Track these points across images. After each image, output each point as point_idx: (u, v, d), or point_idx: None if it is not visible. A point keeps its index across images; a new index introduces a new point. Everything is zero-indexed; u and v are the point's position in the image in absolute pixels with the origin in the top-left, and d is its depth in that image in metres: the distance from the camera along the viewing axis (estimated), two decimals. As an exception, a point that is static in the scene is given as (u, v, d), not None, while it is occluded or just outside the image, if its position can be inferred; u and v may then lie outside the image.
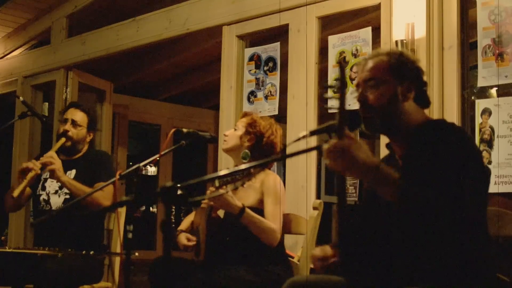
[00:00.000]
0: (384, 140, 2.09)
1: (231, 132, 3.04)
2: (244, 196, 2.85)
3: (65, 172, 3.28)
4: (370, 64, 1.95)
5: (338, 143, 1.63)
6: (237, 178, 2.49)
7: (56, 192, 3.32)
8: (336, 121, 1.67)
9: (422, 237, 1.75)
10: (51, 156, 3.19)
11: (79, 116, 3.40)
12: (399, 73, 1.91)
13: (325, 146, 1.64)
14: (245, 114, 3.11)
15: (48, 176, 3.35)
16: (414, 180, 1.71)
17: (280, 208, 2.82)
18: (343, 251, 1.78)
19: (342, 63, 1.67)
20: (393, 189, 1.67)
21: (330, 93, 1.68)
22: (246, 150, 2.93)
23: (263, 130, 2.96)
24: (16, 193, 3.10)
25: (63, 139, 3.33)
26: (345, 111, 1.65)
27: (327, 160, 1.66)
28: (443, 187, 1.66)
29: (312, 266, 2.12)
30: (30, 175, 3.13)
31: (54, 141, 3.48)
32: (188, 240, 2.90)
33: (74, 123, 3.37)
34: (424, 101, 1.97)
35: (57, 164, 3.18)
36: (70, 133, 3.35)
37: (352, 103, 3.52)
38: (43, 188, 3.36)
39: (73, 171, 3.34)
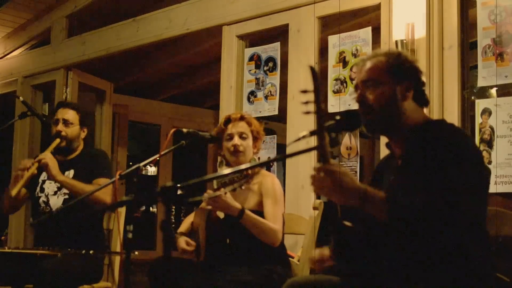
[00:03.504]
0: (384, 140, 2.08)
1: (242, 142, 2.90)
2: (243, 200, 2.84)
3: (63, 172, 3.27)
4: (368, 65, 1.95)
5: (326, 168, 1.67)
6: (235, 180, 2.48)
7: (55, 193, 3.31)
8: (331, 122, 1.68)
9: (420, 239, 1.75)
10: (45, 155, 3.20)
11: (69, 114, 3.39)
12: (397, 73, 1.92)
13: (312, 174, 1.69)
14: (242, 118, 2.96)
15: (46, 178, 3.34)
16: (406, 188, 1.72)
17: (280, 208, 2.82)
18: (340, 254, 1.78)
19: (312, 68, 1.65)
20: (382, 210, 1.69)
21: (305, 98, 1.68)
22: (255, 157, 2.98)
23: (261, 134, 3.00)
24: (14, 191, 3.10)
25: (57, 140, 3.33)
26: (321, 115, 1.67)
27: (313, 185, 1.71)
28: (437, 190, 1.66)
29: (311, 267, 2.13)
30: (27, 174, 3.13)
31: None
32: (188, 244, 2.88)
33: (65, 122, 3.37)
34: (423, 100, 1.98)
35: (51, 161, 3.18)
36: (63, 133, 3.35)
37: (352, 103, 3.55)
38: (42, 190, 3.35)
39: (71, 171, 3.34)
